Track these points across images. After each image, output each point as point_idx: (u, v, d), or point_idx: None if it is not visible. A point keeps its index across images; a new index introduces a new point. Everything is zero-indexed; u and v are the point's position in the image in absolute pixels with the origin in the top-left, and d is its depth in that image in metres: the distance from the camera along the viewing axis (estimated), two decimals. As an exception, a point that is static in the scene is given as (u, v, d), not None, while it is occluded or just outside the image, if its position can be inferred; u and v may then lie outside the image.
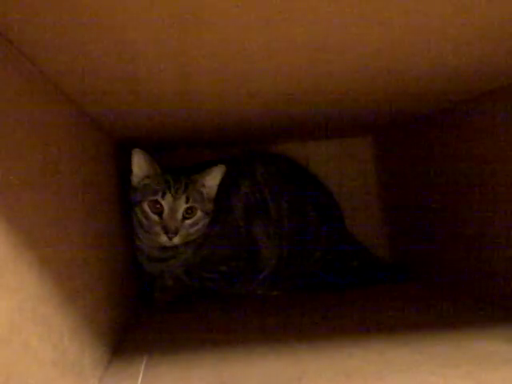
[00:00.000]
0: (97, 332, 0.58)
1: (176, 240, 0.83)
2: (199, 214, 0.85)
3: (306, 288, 0.95)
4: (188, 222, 0.84)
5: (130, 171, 0.87)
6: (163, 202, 0.83)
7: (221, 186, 0.89)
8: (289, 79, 0.58)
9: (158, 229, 0.83)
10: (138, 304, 0.92)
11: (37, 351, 0.38)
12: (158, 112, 0.70)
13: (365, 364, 0.54)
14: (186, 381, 0.53)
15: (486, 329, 0.63)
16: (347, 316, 0.76)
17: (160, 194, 0.83)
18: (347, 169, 1.14)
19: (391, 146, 1.09)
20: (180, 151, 1.10)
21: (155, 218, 0.83)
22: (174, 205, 0.83)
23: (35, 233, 0.40)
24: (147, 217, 0.84)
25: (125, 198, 0.88)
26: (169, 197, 0.83)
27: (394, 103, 0.79)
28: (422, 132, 0.95)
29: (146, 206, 0.84)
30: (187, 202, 0.84)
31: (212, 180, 0.88)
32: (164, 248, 0.88)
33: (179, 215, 0.83)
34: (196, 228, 0.86)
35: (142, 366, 0.59)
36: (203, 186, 0.88)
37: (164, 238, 0.82)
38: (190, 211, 0.84)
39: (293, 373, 0.53)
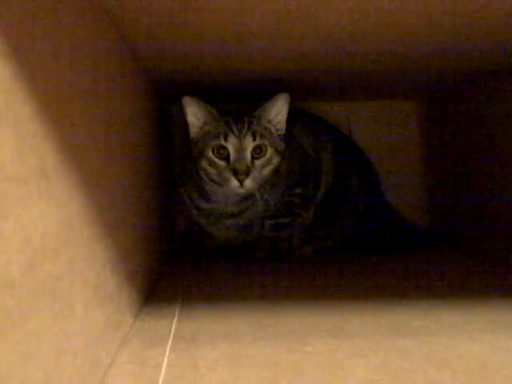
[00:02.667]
0: (135, 270, 0.56)
1: (248, 183, 0.76)
2: (270, 152, 0.78)
3: (341, 250, 0.93)
4: (258, 162, 0.77)
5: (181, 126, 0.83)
6: (227, 145, 0.76)
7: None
8: (338, 37, 0.54)
9: (227, 174, 0.76)
10: (169, 256, 0.91)
11: (82, 272, 0.36)
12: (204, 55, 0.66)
13: (411, 319, 0.51)
14: (222, 322, 0.52)
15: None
16: (387, 277, 0.73)
17: (222, 137, 0.76)
18: (390, 132, 1.10)
19: (435, 110, 1.04)
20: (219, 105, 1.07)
21: (222, 163, 0.77)
22: (241, 145, 0.76)
23: (85, 152, 0.39)
24: (214, 164, 0.77)
25: (166, 154, 0.85)
26: (232, 138, 0.76)
27: (439, 64, 0.74)
28: (466, 97, 0.90)
29: (210, 154, 0.77)
30: (254, 139, 0.77)
31: (278, 112, 0.80)
32: (240, 200, 0.83)
33: (248, 155, 0.76)
34: (269, 169, 0.79)
35: (177, 308, 0.58)
36: (269, 121, 0.80)
37: (234, 182, 0.75)
38: (259, 150, 0.77)
39: (335, 323, 0.51)
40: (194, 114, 0.80)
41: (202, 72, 0.78)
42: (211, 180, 0.80)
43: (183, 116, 0.81)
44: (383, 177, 1.04)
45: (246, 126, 0.77)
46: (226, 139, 0.77)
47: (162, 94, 0.90)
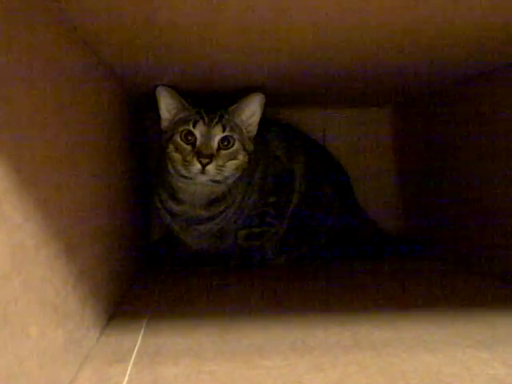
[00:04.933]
0: (100, 284, 0.56)
1: (210, 169, 0.76)
2: (237, 146, 0.79)
3: (314, 258, 0.94)
4: (224, 152, 0.78)
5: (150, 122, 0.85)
6: (195, 131, 0.77)
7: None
8: (316, 31, 0.55)
9: (190, 158, 0.76)
10: (142, 265, 0.91)
11: (38, 292, 0.36)
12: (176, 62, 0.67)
13: (373, 331, 0.52)
14: (187, 336, 0.52)
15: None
16: (355, 288, 0.74)
17: (191, 123, 0.77)
18: (364, 140, 1.11)
19: (409, 118, 1.06)
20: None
21: (188, 147, 0.78)
22: (209, 132, 0.77)
23: (42, 172, 0.39)
24: (180, 149, 0.78)
25: (136, 157, 0.86)
26: (201, 125, 0.77)
27: (414, 72, 0.76)
28: (440, 105, 0.92)
29: (178, 139, 0.78)
30: (224, 131, 0.78)
31: (252, 112, 0.81)
32: (209, 203, 0.84)
33: (214, 143, 0.77)
34: (234, 164, 0.79)
35: (144, 322, 0.58)
36: (242, 121, 0.81)
37: (197, 166, 0.75)
38: (226, 142, 0.78)
39: (298, 336, 0.51)
40: (167, 105, 0.81)
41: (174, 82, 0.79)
42: (176, 171, 0.80)
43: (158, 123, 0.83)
44: (357, 184, 1.05)
45: (217, 117, 0.79)
46: (194, 126, 0.78)
47: (137, 102, 0.90)
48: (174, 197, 0.85)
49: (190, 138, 0.78)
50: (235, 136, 0.79)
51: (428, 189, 0.99)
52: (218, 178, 0.79)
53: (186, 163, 0.77)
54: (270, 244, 0.92)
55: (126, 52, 0.61)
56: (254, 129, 0.83)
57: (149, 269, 0.90)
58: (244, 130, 0.82)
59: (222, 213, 0.86)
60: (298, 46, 0.61)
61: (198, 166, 0.76)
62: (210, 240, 0.90)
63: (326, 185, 0.97)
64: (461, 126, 0.85)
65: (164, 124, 0.82)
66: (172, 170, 0.81)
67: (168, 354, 0.47)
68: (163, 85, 0.79)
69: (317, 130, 1.09)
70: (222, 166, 0.78)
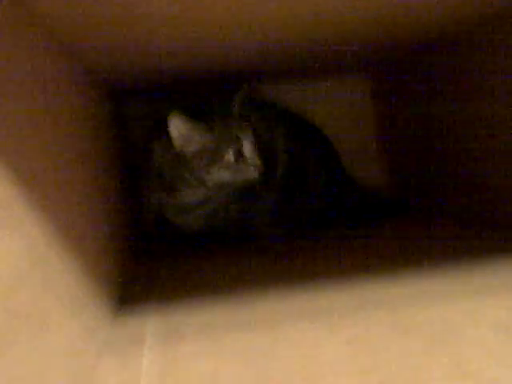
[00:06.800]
0: (107, 272, 0.58)
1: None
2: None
3: (309, 227, 0.95)
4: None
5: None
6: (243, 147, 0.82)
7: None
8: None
9: (245, 169, 0.82)
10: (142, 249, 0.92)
11: (54, 287, 0.37)
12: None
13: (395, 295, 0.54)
14: (200, 313, 0.54)
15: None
16: (360, 253, 0.75)
17: (234, 142, 0.81)
18: (344, 109, 1.12)
19: (389, 83, 1.07)
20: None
21: (233, 159, 0.82)
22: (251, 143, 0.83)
23: (43, 173, 0.39)
24: (230, 167, 0.82)
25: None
26: (245, 139, 0.82)
27: (390, 32, 0.76)
28: (419, 67, 0.93)
29: (229, 159, 0.81)
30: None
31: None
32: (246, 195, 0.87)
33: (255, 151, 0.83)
34: None
35: (153, 305, 0.59)
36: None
37: (251, 170, 0.82)
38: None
39: (306, 304, 0.53)
40: (184, 132, 0.81)
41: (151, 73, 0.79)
42: (213, 183, 0.84)
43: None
44: (342, 153, 1.07)
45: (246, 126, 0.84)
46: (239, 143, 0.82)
47: (114, 92, 0.89)
48: (174, 196, 0.87)
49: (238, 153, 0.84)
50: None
51: (413, 153, 1.01)
52: None
53: (241, 172, 0.83)
54: (262, 216, 0.94)
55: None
56: None
57: (148, 256, 0.90)
58: None
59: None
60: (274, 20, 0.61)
61: (252, 170, 0.83)
62: (204, 220, 0.91)
63: (311, 154, 0.98)
64: (442, 87, 0.86)
65: (188, 148, 0.83)
66: (209, 185, 0.84)
67: (184, 332, 0.49)
68: (177, 112, 0.79)
69: (297, 102, 1.09)
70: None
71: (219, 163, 0.82)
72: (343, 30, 0.69)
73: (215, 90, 1.02)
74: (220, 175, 0.83)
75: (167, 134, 0.81)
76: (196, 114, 0.83)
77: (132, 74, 0.80)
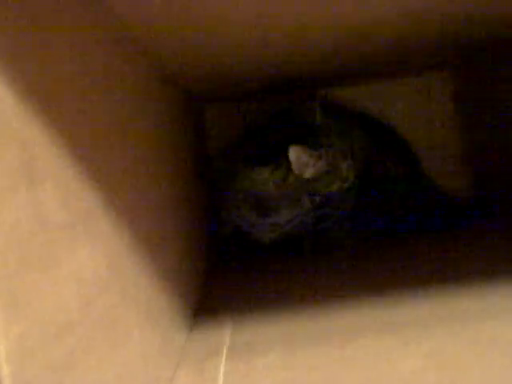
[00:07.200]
0: (183, 283, 0.58)
1: None
2: None
3: (385, 234, 0.92)
4: None
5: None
6: None
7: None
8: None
9: None
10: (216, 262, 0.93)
11: (133, 297, 0.38)
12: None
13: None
14: (275, 327, 0.53)
15: None
16: (438, 263, 0.72)
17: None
18: (424, 109, 1.07)
19: (470, 80, 1.01)
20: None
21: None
22: None
23: (123, 181, 0.40)
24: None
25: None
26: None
27: (478, 28, 0.71)
28: (505, 63, 0.87)
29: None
30: None
31: None
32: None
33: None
34: None
35: (230, 316, 0.59)
36: None
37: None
38: None
39: (382, 316, 0.51)
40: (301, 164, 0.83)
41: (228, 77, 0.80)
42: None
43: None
44: (422, 155, 1.02)
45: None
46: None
47: (194, 96, 0.91)
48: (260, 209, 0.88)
49: None
50: None
51: (496, 155, 0.94)
52: None
53: None
54: (339, 224, 0.91)
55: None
56: None
57: (224, 266, 0.91)
58: None
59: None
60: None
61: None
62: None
63: (389, 157, 0.95)
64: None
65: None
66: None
67: (259, 345, 0.48)
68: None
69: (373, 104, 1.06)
70: None
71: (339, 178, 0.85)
72: (430, 27, 0.66)
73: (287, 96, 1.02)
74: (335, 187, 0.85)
75: (270, 163, 0.83)
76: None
77: (211, 81, 0.81)
